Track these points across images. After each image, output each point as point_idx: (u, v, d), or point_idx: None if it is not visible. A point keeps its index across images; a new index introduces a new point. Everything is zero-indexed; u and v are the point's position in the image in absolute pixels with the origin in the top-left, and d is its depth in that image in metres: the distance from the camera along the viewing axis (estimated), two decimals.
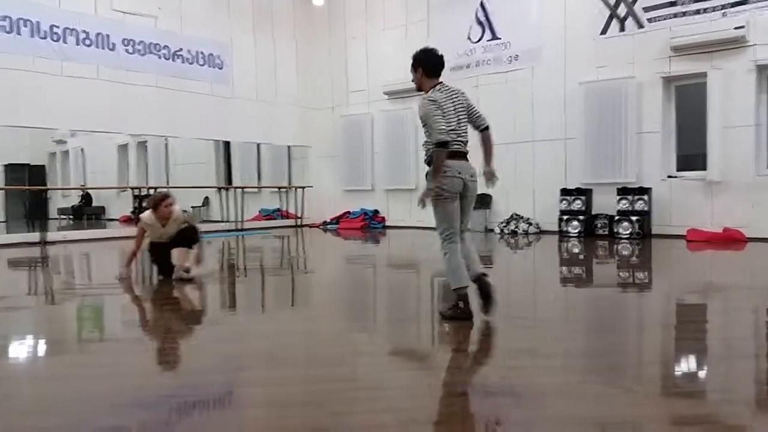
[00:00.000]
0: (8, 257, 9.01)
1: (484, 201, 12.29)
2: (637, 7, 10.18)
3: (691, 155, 10.36)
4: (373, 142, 14.19)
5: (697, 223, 9.60)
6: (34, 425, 2.44)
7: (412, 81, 4.33)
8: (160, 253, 6.14)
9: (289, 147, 15.57)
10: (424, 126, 4.13)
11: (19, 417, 2.53)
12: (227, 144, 15.91)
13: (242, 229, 13.29)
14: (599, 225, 10.42)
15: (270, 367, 3.25)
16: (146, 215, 6.11)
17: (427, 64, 4.23)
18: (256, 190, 15.70)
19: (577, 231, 10.47)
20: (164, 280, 6.05)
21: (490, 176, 4.46)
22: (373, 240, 11.36)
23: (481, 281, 4.19)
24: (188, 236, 6.06)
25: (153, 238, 6.11)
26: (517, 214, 11.66)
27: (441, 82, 4.22)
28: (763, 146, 9.33)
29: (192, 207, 15.58)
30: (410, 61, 4.26)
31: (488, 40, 12.16)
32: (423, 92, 4.22)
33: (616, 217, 10.09)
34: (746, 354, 3.34)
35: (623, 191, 10.11)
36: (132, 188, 15.20)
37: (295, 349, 3.66)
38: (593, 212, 10.63)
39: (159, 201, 6.09)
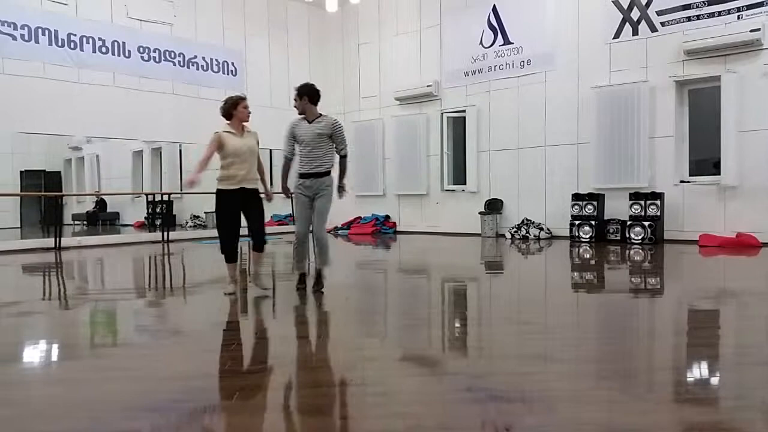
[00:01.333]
0: (23, 262, 9.13)
1: (495, 206, 12.27)
2: (651, 11, 10.15)
3: (704, 160, 10.28)
4: (384, 147, 14.23)
5: (710, 229, 9.52)
6: (46, 429, 2.47)
7: (295, 107, 5.59)
8: (227, 214, 5.47)
9: None
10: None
11: (31, 421, 2.56)
12: None
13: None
14: (611, 230, 10.36)
15: (280, 371, 3.27)
16: (220, 129, 5.52)
17: (311, 96, 5.50)
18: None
19: (588, 236, 10.43)
20: (229, 255, 5.61)
21: (340, 189, 5.72)
22: (384, 245, 11.37)
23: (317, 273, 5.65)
24: (255, 205, 5.53)
25: (227, 154, 5.39)
26: (528, 219, 11.63)
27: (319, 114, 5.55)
28: None
29: (205, 212, 15.69)
30: (297, 90, 5.50)
31: (501, 45, 12.17)
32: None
33: (628, 222, 10.03)
34: (759, 361, 3.30)
35: (635, 196, 10.05)
36: (146, 194, 15.33)
37: (305, 353, 3.67)
38: (605, 217, 10.58)
39: (236, 101, 5.51)
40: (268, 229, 14.84)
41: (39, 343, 4.15)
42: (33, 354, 3.84)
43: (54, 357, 3.79)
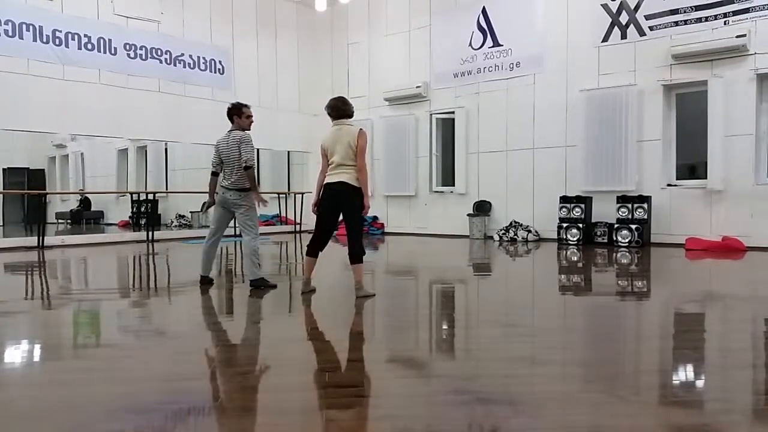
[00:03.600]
0: (6, 261, 9.00)
1: (484, 208, 12.29)
2: (639, 15, 10.22)
3: (691, 164, 10.37)
4: (373, 148, 14.19)
5: (697, 232, 9.60)
6: (28, 431, 2.42)
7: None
8: (319, 216, 5.36)
9: (288, 152, 15.57)
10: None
11: (13, 422, 2.51)
12: None
13: (240, 235, 13.24)
14: (598, 233, 10.41)
15: (266, 373, 3.23)
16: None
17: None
18: None
19: (576, 239, 10.47)
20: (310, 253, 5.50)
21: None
22: (371, 246, 11.34)
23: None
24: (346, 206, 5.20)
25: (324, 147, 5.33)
26: (516, 222, 11.66)
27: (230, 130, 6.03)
28: (763, 155, 9.35)
29: (191, 212, 15.57)
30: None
31: (490, 47, 12.20)
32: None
33: (616, 225, 10.08)
34: (744, 364, 3.32)
35: (623, 199, 10.11)
36: (131, 193, 15.19)
37: (291, 355, 3.64)
38: (593, 220, 10.63)
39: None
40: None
41: (21, 344, 4.08)
42: (14, 355, 3.77)
43: (36, 358, 3.73)
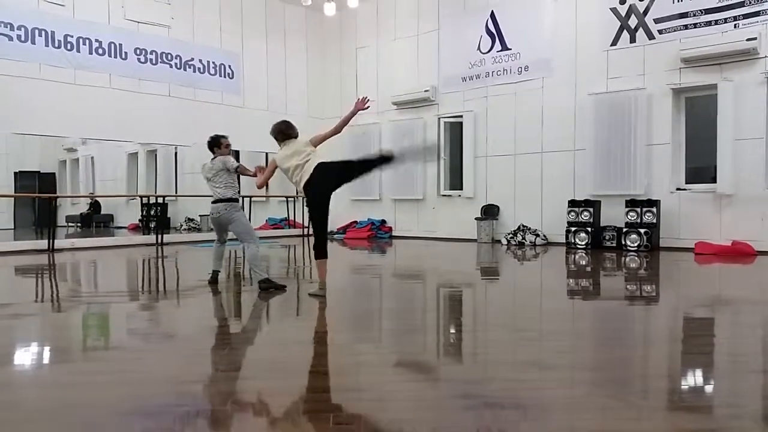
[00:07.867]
0: (16, 264, 9.08)
1: (492, 212, 12.28)
2: (648, 19, 10.18)
3: (701, 168, 10.31)
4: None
5: (706, 236, 9.54)
6: None
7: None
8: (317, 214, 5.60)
9: None
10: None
11: (22, 424, 2.53)
12: (236, 153, 15.99)
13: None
14: (607, 237, 10.36)
15: (274, 377, 3.24)
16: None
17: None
18: (263, 199, 15.74)
19: (584, 243, 10.43)
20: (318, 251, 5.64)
21: None
22: (379, 250, 11.35)
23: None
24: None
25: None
26: (524, 225, 11.63)
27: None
28: None
29: (200, 216, 15.65)
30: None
31: (498, 51, 12.19)
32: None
33: (624, 230, 10.03)
34: (754, 369, 3.30)
35: (632, 203, 10.06)
36: (140, 197, 15.27)
37: (299, 359, 3.65)
38: (601, 224, 10.58)
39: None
40: (264, 233, 14.76)
41: (31, 346, 4.12)
42: (25, 357, 3.81)
43: (46, 360, 3.76)
